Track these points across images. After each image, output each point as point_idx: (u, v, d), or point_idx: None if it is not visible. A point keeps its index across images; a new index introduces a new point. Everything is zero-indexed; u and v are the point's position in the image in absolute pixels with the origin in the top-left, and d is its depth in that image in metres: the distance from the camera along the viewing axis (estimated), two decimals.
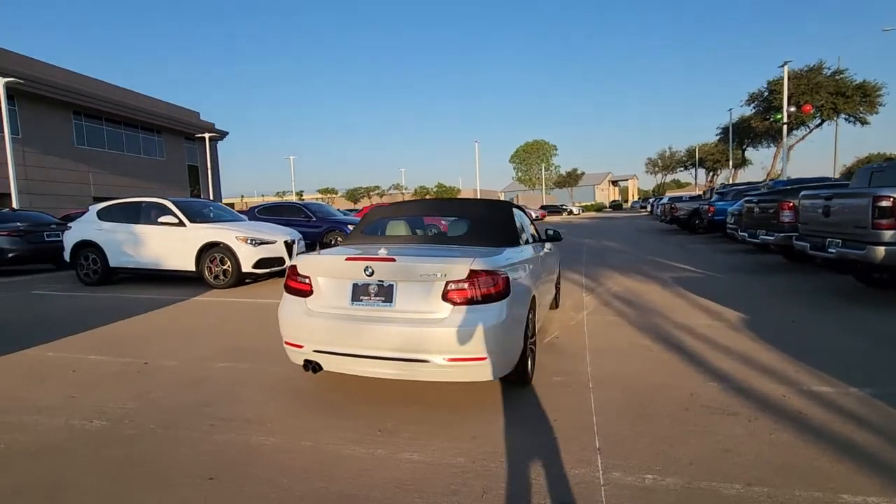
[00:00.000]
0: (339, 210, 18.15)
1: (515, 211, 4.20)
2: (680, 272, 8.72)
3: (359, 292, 2.98)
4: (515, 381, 3.25)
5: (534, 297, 3.51)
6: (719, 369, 3.66)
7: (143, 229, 8.24)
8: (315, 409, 3.13)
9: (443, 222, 5.59)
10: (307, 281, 3.08)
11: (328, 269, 3.06)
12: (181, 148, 38.32)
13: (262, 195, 75.58)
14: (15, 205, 25.33)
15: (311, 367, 3.06)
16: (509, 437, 2.67)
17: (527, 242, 4.11)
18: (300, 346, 3.06)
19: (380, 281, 2.94)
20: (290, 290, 3.19)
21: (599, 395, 3.19)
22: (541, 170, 76.55)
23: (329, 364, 3.02)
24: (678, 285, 7.33)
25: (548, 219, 43.43)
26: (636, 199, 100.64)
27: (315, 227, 12.28)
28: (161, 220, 8.22)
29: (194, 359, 4.28)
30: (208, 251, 7.86)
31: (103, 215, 8.66)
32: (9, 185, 24.65)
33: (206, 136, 37.23)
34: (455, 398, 3.17)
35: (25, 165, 26.55)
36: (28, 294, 8.02)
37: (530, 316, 3.32)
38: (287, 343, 3.15)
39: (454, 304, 2.83)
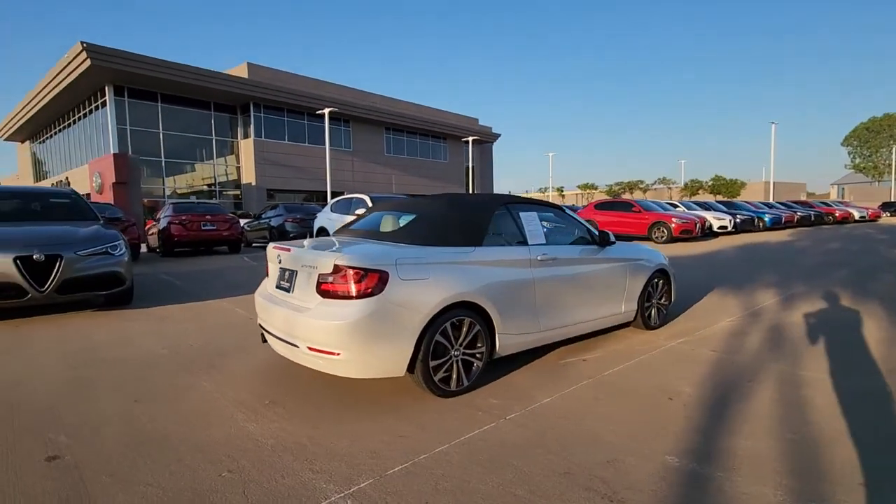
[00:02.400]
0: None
1: (503, 210, 3.71)
2: None
3: (279, 278, 3.35)
4: (433, 390, 2.99)
5: (478, 304, 3.13)
6: None
7: (345, 218, 10.44)
8: None
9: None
10: (266, 264, 3.63)
11: (269, 256, 3.53)
12: (460, 151, 44.33)
13: (526, 191, 79.72)
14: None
15: (263, 337, 3.60)
16: None
17: (522, 244, 3.60)
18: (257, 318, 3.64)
19: (285, 269, 3.26)
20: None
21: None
22: (891, 153, 55.48)
23: (266, 336, 3.50)
24: None
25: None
26: None
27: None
28: (357, 211, 10.22)
29: None
30: None
31: (333, 208, 11.32)
32: (345, 187, 33.63)
33: (478, 139, 42.08)
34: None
35: (353, 171, 35.84)
36: None
37: (457, 322, 3.02)
38: None
39: (323, 295, 2.89)
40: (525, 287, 3.48)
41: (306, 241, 3.61)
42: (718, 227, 17.50)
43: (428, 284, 2.96)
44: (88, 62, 23.05)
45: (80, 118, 30.36)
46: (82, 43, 22.61)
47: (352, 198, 11.03)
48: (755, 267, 9.35)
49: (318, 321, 2.81)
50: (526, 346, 3.63)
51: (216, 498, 2.04)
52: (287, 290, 3.23)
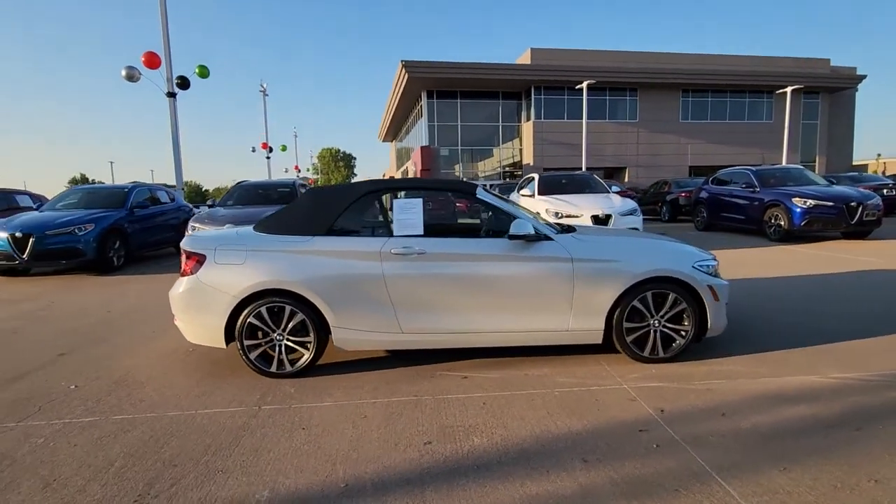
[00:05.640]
0: None
1: (368, 198, 3.31)
2: None
3: None
4: (252, 368, 3.27)
5: (299, 293, 3.19)
6: None
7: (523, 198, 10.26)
8: None
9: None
10: None
11: None
12: (798, 105, 34.25)
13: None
14: (627, 177, 32.53)
15: None
16: None
17: (385, 234, 3.30)
18: None
19: None
20: None
21: None
22: None
23: None
24: None
25: None
26: None
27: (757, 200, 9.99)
28: (524, 191, 9.99)
29: None
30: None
31: (518, 188, 11.33)
32: (627, 162, 31.74)
33: (826, 86, 31.39)
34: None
35: (638, 143, 33.09)
36: None
37: (276, 308, 3.20)
38: None
39: (180, 273, 3.51)
40: (371, 282, 3.20)
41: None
42: None
43: (241, 269, 3.21)
44: (407, 76, 29.26)
45: (413, 120, 38.83)
46: (402, 61, 28.85)
47: (531, 177, 10.78)
48: None
49: (171, 292, 3.50)
50: (388, 346, 3.34)
51: None
52: None
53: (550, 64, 31.14)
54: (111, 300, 5.97)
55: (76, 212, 8.65)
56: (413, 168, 32.88)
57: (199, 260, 3.30)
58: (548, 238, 3.27)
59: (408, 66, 28.86)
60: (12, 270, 8.25)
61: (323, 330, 3.25)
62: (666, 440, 2.34)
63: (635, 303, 3.25)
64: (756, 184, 10.45)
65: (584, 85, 25.11)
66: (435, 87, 31.44)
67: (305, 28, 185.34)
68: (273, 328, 3.24)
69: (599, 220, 8.14)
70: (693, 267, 3.28)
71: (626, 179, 32.62)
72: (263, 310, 3.21)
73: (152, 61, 11.73)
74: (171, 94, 12.61)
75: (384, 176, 61.89)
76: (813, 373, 3.11)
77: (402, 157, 48.49)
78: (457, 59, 29.79)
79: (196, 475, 2.17)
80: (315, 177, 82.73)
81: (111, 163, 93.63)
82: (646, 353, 3.30)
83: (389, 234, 3.30)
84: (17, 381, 3.38)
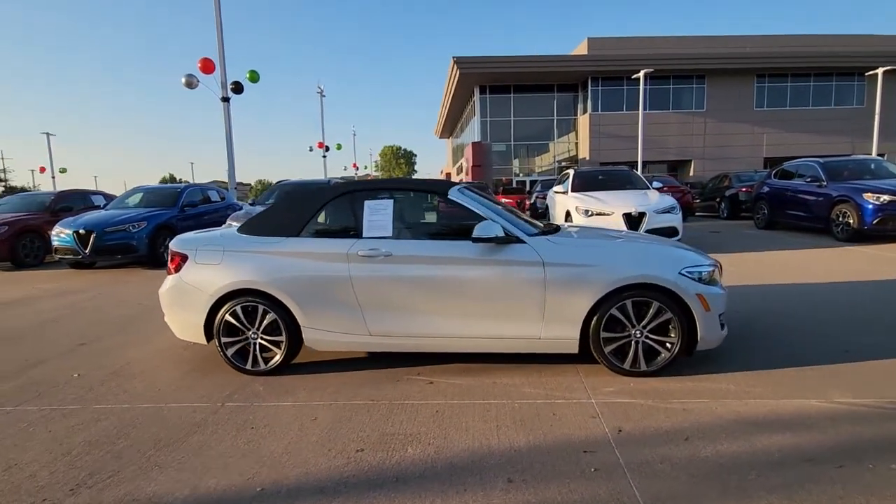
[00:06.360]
0: None
1: (342, 200, 3.31)
2: None
3: None
4: (231, 365, 3.38)
5: (270, 293, 3.27)
6: None
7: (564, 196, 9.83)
8: None
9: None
10: None
11: None
12: (893, 88, 30.52)
13: None
14: (692, 171, 30.58)
15: None
16: None
17: (356, 236, 3.30)
18: None
19: None
20: None
21: None
22: None
23: None
24: None
25: None
26: None
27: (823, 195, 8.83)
28: (557, 188, 9.60)
29: None
30: None
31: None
32: (693, 154, 29.91)
33: None
34: None
35: (705, 135, 30.99)
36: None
37: (250, 307, 3.30)
38: None
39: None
40: (339, 283, 3.20)
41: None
42: None
43: (217, 269, 3.33)
44: (459, 72, 29.20)
45: (467, 117, 38.74)
46: (454, 58, 28.81)
47: (567, 173, 10.37)
48: None
49: (159, 291, 3.68)
50: (357, 349, 3.34)
51: None
52: None
53: (608, 54, 29.84)
54: (150, 293, 6.43)
55: (132, 210, 9.42)
56: (465, 164, 32.84)
57: (182, 259, 3.46)
58: (519, 241, 3.11)
59: (459, 62, 28.79)
60: (80, 264, 9.12)
61: (295, 330, 3.30)
62: (608, 464, 2.15)
63: (614, 311, 3.02)
64: (823, 177, 9.42)
65: (642, 74, 23.77)
66: (488, 82, 31.15)
67: (368, 28, 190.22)
68: (248, 327, 3.34)
69: (632, 218, 7.70)
70: (680, 273, 3.00)
71: (692, 173, 30.70)
72: (238, 309, 3.31)
73: (207, 67, 12.51)
74: (226, 99, 13.39)
75: (441, 173, 62.31)
76: (818, 396, 2.74)
77: (457, 153, 48.57)
78: (512, 52, 29.23)
79: (135, 468, 2.27)
80: (376, 173, 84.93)
81: (192, 164, 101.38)
82: (626, 366, 3.06)
83: (360, 235, 3.29)
84: (34, 368, 3.73)
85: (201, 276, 3.37)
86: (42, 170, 39.18)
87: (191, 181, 64.12)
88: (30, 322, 5.18)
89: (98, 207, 11.80)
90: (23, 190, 41.89)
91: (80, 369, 3.65)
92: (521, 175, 33.57)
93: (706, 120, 30.92)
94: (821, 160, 10.00)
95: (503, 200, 21.83)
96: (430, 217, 3.79)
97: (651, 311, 3.00)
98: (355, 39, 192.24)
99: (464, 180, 31.93)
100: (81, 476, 2.23)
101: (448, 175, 52.26)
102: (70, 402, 3.07)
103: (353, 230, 3.36)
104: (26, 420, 2.84)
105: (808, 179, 9.80)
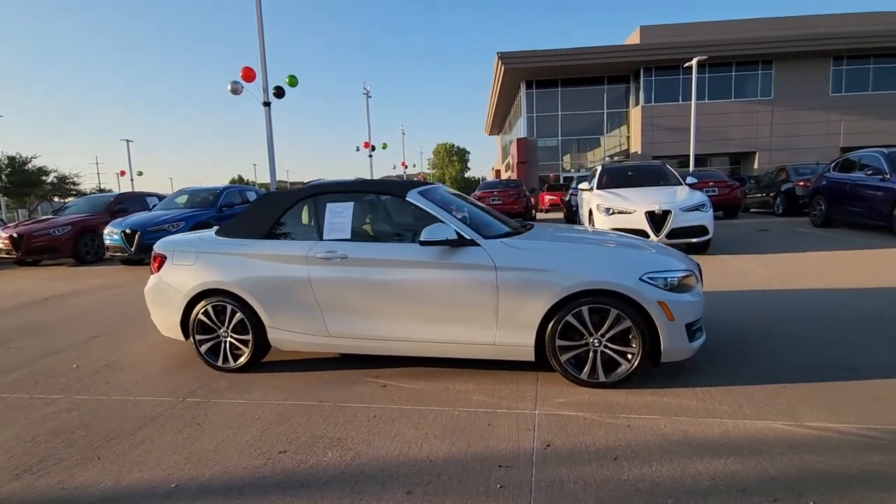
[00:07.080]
0: None
1: (306, 202, 3.36)
2: None
3: None
4: (205, 362, 3.54)
5: (236, 294, 3.38)
6: None
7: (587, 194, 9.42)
8: None
9: None
10: None
11: None
12: None
13: None
14: (757, 164, 28.49)
15: None
16: None
17: (317, 238, 3.34)
18: None
19: None
20: None
21: None
22: None
23: None
24: None
25: None
26: None
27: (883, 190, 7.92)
28: (582, 185, 9.24)
29: None
30: None
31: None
32: (758, 145, 27.96)
33: None
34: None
35: (772, 124, 28.75)
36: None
37: (220, 307, 3.43)
38: None
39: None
40: (299, 285, 3.25)
41: None
42: None
43: (191, 270, 3.49)
44: (504, 67, 28.82)
45: (514, 113, 38.20)
46: (498, 53, 28.46)
47: (595, 169, 9.95)
48: None
49: (144, 290, 3.89)
50: (318, 349, 3.39)
51: None
52: None
53: (662, 42, 28.33)
54: None
55: (173, 211, 10.08)
56: (512, 161, 32.39)
57: (162, 260, 3.66)
58: (474, 243, 3.03)
59: (504, 57, 28.40)
60: (129, 261, 9.89)
61: (261, 329, 3.39)
62: (517, 481, 2.04)
63: (570, 318, 2.86)
64: (886, 169, 8.46)
65: (694, 62, 22.33)
66: (534, 76, 30.52)
67: (419, 29, 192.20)
68: (219, 325, 3.47)
69: (655, 217, 7.27)
70: (641, 280, 2.79)
71: (757, 166, 28.58)
72: (210, 308, 3.45)
73: (248, 75, 13.13)
74: (267, 104, 13.99)
75: (492, 170, 61.86)
76: (787, 418, 2.46)
77: (506, 150, 48.07)
78: (561, 45, 28.45)
79: (79, 458, 2.43)
80: (429, 171, 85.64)
81: (254, 165, 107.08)
82: (584, 376, 2.90)
83: (321, 237, 3.33)
84: (46, 357, 4.08)
85: (177, 276, 3.54)
86: (122, 173, 42.76)
87: (254, 182, 67.87)
88: (66, 315, 5.68)
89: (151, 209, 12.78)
90: (101, 191, 46.00)
91: (82, 360, 3.95)
92: (570, 171, 32.65)
93: (773, 108, 28.65)
94: (885, 150, 8.98)
95: (547, 198, 21.80)
96: (392, 219, 3.76)
97: (610, 319, 2.82)
98: (411, 43, 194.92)
99: (511, 177, 31.55)
100: (31, 462, 2.41)
101: (498, 172, 51.77)
102: (58, 391, 3.33)
103: (314, 232, 3.40)
104: (14, 406, 3.11)
105: (870, 172, 8.84)
